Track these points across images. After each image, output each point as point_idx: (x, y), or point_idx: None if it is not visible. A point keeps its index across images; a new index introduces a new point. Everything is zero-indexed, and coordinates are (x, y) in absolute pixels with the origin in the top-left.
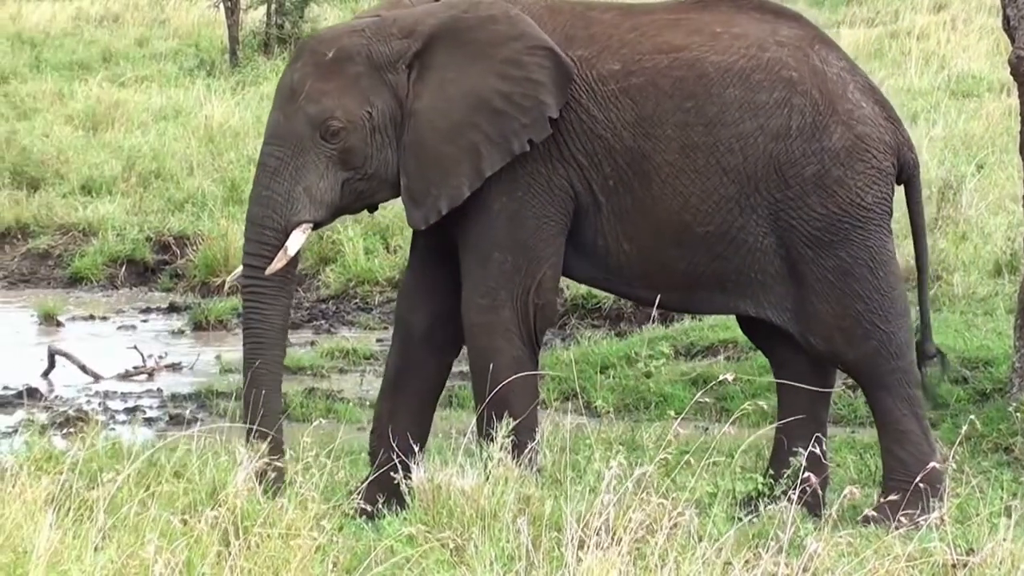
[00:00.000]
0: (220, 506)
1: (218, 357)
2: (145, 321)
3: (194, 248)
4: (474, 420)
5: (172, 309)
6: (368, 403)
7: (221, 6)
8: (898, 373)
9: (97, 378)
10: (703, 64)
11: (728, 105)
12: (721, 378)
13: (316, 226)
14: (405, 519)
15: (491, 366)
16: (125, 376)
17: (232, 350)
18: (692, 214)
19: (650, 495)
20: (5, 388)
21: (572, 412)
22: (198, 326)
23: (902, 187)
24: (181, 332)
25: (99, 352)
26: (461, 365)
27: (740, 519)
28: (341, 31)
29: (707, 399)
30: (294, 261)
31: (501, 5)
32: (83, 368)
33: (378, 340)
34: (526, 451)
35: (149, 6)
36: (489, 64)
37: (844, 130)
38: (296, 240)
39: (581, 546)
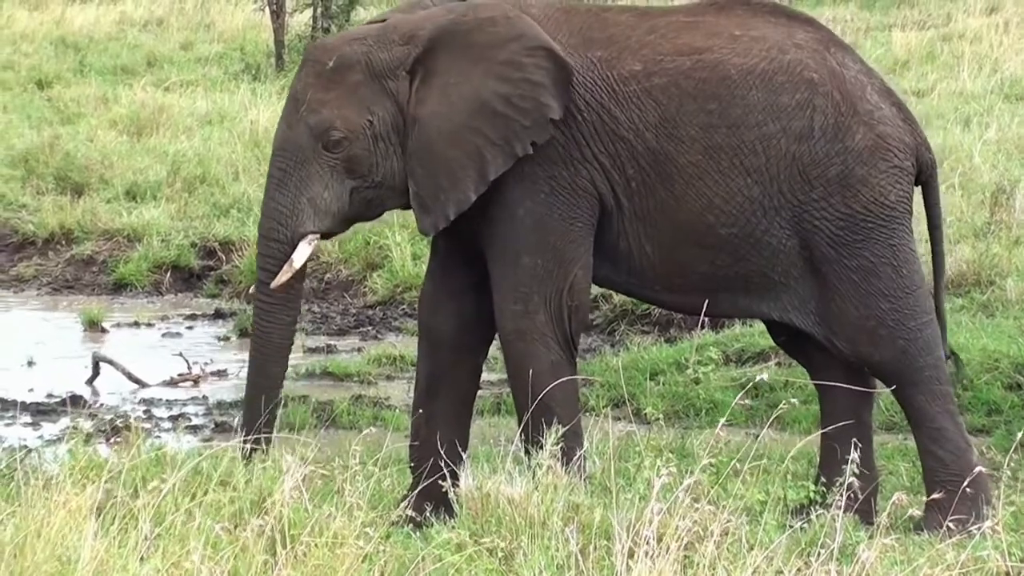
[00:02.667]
0: (266, 515)
1: None
2: (190, 328)
3: (239, 254)
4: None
5: (217, 315)
6: None
7: (267, 9)
8: (927, 370)
9: (142, 385)
10: (725, 66)
11: (752, 107)
12: (758, 379)
13: (326, 236)
14: (453, 527)
15: (529, 372)
16: (170, 383)
17: None
18: (715, 215)
19: (700, 503)
20: (49, 396)
21: (621, 419)
22: (244, 332)
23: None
24: (227, 338)
25: (144, 359)
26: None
27: (791, 527)
28: (343, 39)
29: (757, 404)
30: (300, 275)
31: (500, 7)
32: (128, 375)
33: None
34: (574, 458)
35: (194, 10)
36: (489, 67)
37: (866, 130)
38: (302, 252)
39: (631, 554)
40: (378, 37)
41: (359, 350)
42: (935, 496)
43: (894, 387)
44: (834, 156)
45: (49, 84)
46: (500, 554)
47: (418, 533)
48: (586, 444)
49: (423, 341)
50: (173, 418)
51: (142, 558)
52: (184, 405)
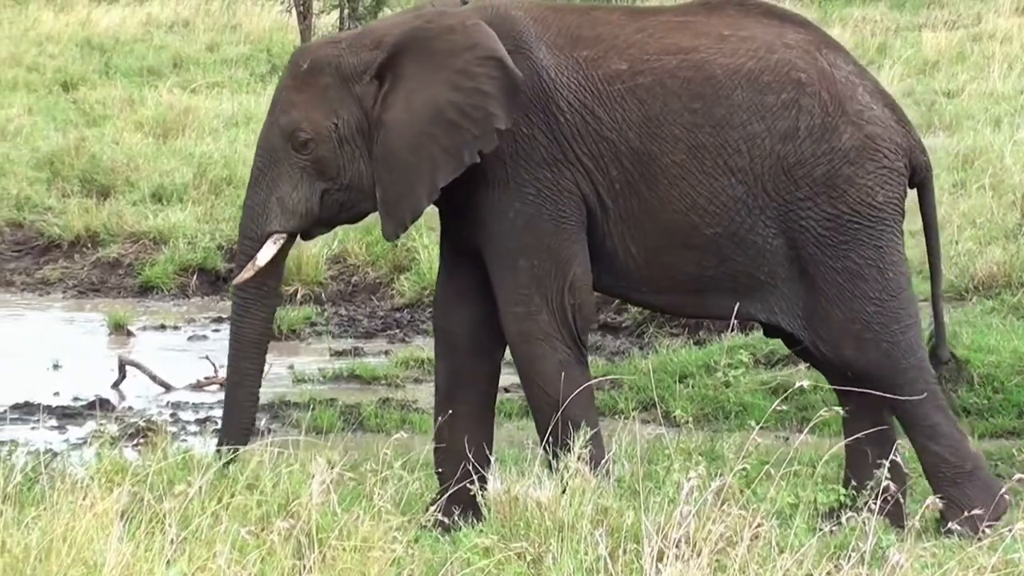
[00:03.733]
0: (293, 518)
1: (290, 367)
2: (217, 331)
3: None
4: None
5: None
6: None
7: (293, 11)
8: (912, 371)
9: (168, 388)
10: (711, 66)
11: (736, 107)
12: (798, 385)
13: (304, 237)
14: (481, 531)
15: (538, 374)
16: (197, 386)
17: (305, 360)
18: (700, 215)
19: (730, 506)
20: (75, 399)
21: (650, 422)
22: (272, 336)
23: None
24: None
25: (170, 362)
26: None
27: (821, 530)
28: (321, 42)
29: (787, 408)
30: (273, 272)
31: (462, 14)
32: (154, 378)
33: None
34: (594, 457)
35: (220, 11)
36: (446, 75)
37: (854, 130)
38: (266, 251)
39: (660, 558)
40: (351, 42)
41: (386, 353)
42: (948, 490)
43: (882, 391)
44: (820, 156)
45: (75, 86)
46: (528, 558)
47: (447, 537)
48: (613, 446)
49: (439, 344)
50: (200, 421)
51: (168, 562)
52: (210, 408)
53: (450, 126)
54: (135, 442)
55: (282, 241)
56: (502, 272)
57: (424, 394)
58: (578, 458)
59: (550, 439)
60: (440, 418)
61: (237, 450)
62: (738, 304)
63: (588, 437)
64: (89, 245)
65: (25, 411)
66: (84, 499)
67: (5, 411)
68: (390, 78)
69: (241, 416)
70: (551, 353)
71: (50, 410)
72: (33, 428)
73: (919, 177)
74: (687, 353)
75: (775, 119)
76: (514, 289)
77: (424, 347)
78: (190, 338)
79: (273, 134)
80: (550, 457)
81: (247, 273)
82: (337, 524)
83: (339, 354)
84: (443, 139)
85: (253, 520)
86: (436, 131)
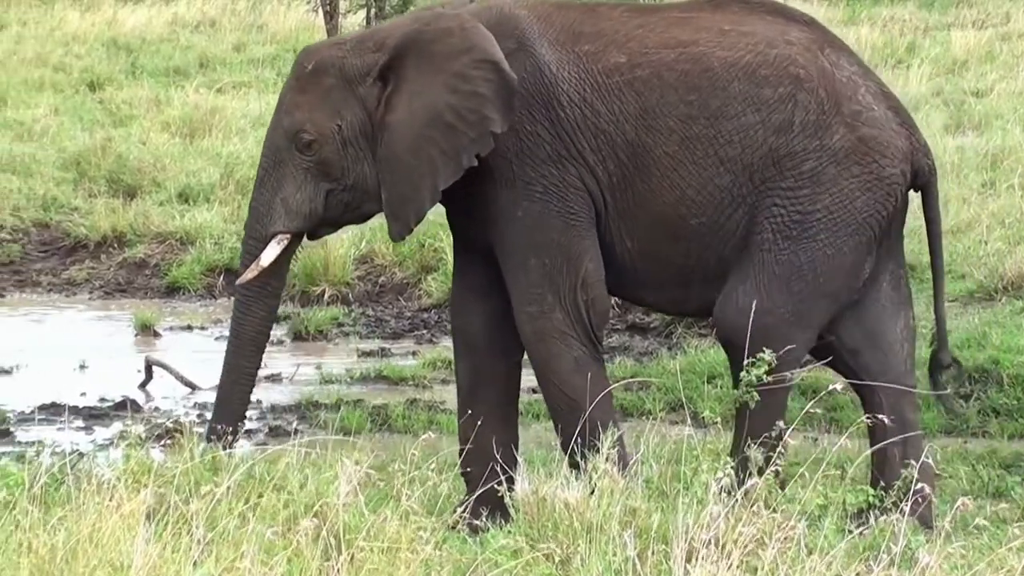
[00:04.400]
0: (321, 519)
1: (318, 368)
2: None
3: (293, 257)
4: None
5: None
6: None
7: (320, 10)
8: (780, 363)
9: (195, 389)
10: (709, 59)
11: (732, 98)
12: (831, 388)
13: (311, 237)
14: (509, 532)
15: (554, 373)
16: None
17: (332, 361)
18: (687, 207)
19: (759, 507)
20: (102, 400)
21: (679, 423)
22: (297, 336)
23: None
24: (280, 342)
25: (197, 363)
26: None
27: (851, 531)
28: (326, 44)
29: (816, 409)
30: (277, 272)
31: (461, 16)
32: (181, 379)
33: None
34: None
35: (246, 11)
36: (444, 78)
37: (846, 131)
38: (270, 251)
39: (689, 559)
40: (356, 43)
41: (414, 354)
42: None
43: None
44: (810, 152)
45: (101, 86)
46: (557, 559)
47: (475, 538)
48: (642, 447)
49: (457, 343)
50: None
51: (195, 563)
52: None
53: (448, 129)
54: (162, 443)
55: (286, 242)
56: (514, 271)
57: (451, 395)
58: (606, 459)
59: (571, 439)
60: (463, 418)
61: (229, 446)
62: (710, 292)
63: (615, 438)
64: (115, 245)
65: (52, 412)
66: (111, 500)
67: (32, 412)
68: (393, 80)
69: (231, 414)
70: (566, 351)
71: (77, 411)
72: (60, 429)
73: (922, 181)
74: (715, 353)
75: (770, 112)
76: (526, 288)
77: (451, 348)
78: (217, 339)
79: (277, 135)
80: (576, 458)
81: (251, 273)
82: (365, 525)
83: (366, 355)
84: (441, 142)
85: (280, 521)
86: (434, 134)
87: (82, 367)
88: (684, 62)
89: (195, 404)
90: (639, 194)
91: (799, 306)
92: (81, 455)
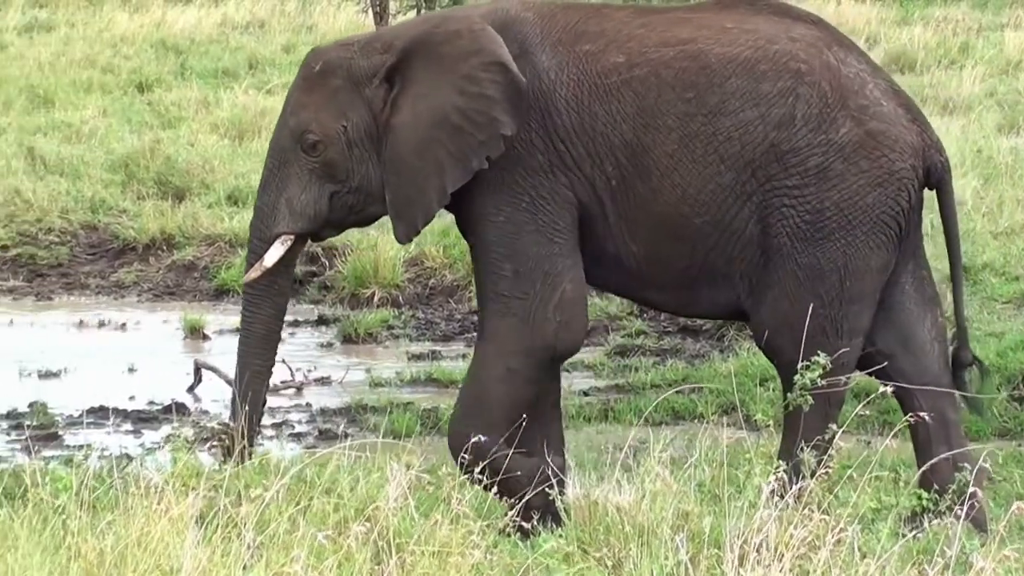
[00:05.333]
0: (371, 523)
1: (368, 371)
2: (293, 334)
3: (343, 259)
4: (630, 435)
5: (320, 322)
6: None
7: (370, 11)
8: (828, 386)
9: None
10: (707, 55)
11: (730, 94)
12: (882, 390)
13: (315, 239)
14: (561, 536)
15: (481, 371)
16: (273, 390)
17: (382, 364)
18: (690, 205)
19: (812, 510)
20: (151, 403)
21: (731, 425)
22: (347, 339)
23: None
24: (330, 345)
25: None
26: (615, 378)
27: (904, 535)
28: (334, 44)
29: (868, 412)
30: (283, 271)
31: (469, 19)
32: (230, 382)
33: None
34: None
35: (296, 12)
36: (452, 80)
37: (853, 125)
38: (274, 252)
39: (741, 563)
40: (364, 45)
41: (464, 356)
42: None
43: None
44: (815, 147)
45: (150, 87)
46: (609, 563)
47: (526, 542)
48: (695, 449)
49: None
50: (276, 425)
51: (245, 567)
52: (287, 412)
53: (456, 131)
54: (210, 446)
55: (290, 242)
56: (488, 274)
57: None
58: (658, 462)
59: (457, 437)
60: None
61: (249, 449)
62: (720, 294)
63: (488, 444)
64: (164, 248)
65: (100, 415)
66: (160, 503)
67: (80, 415)
68: (399, 82)
69: (247, 413)
70: (502, 360)
71: (125, 414)
72: (108, 432)
73: (935, 178)
74: None
75: (770, 106)
76: (495, 291)
77: None
78: None
79: (283, 135)
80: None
81: (254, 273)
82: (415, 529)
83: (416, 357)
84: (449, 144)
85: (330, 525)
86: (442, 136)
87: (130, 370)
88: (682, 59)
89: None
90: (640, 195)
91: (830, 310)
92: (129, 458)
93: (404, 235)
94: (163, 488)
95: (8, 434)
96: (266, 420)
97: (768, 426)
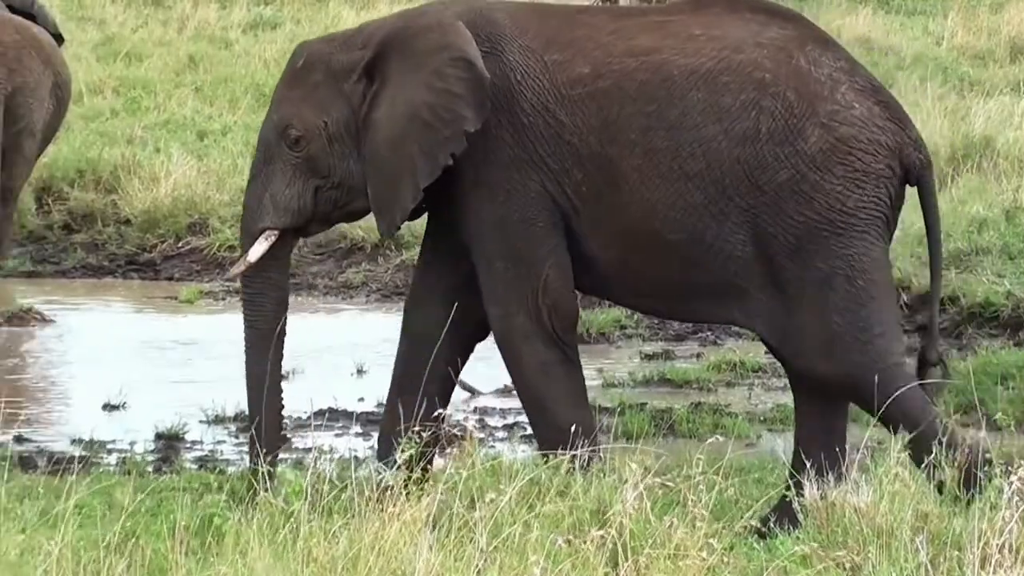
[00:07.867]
0: (607, 526)
1: (600, 371)
2: None
3: None
4: (866, 436)
5: None
6: (759, 418)
7: None
8: (884, 373)
9: (475, 394)
10: (669, 67)
11: (690, 108)
12: None
13: (302, 233)
14: (798, 538)
15: (519, 375)
16: (504, 391)
17: (614, 364)
18: (660, 222)
19: None
20: (380, 405)
21: (970, 425)
22: (580, 340)
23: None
24: None
25: (477, 367)
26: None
27: None
28: (319, 40)
29: None
30: (276, 265)
31: (440, 15)
32: (461, 384)
33: (766, 352)
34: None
35: None
36: (422, 75)
37: (822, 132)
38: (258, 247)
39: (983, 565)
40: (345, 39)
41: (698, 356)
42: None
43: (859, 403)
44: (783, 160)
45: None
46: (847, 566)
47: (762, 544)
48: (933, 450)
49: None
50: (508, 427)
51: (478, 571)
52: (518, 414)
53: (424, 127)
54: (444, 449)
55: (274, 238)
56: (483, 274)
57: (737, 398)
58: (897, 462)
59: (545, 442)
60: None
61: (275, 447)
62: (719, 309)
63: (565, 434)
64: (392, 248)
65: (330, 417)
66: (392, 507)
67: (310, 417)
68: (378, 77)
69: (269, 411)
70: (531, 354)
71: (355, 416)
72: (338, 435)
73: (914, 175)
74: (1007, 354)
75: (733, 121)
76: (492, 291)
77: (736, 350)
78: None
79: (268, 130)
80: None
81: (238, 268)
82: (651, 532)
83: (649, 357)
84: (420, 140)
85: (565, 528)
86: (413, 131)
87: (360, 371)
88: (644, 71)
89: (475, 409)
90: (609, 206)
91: (850, 315)
92: (360, 461)
93: (386, 230)
94: (396, 492)
95: (236, 436)
96: (496, 422)
97: (1009, 426)
